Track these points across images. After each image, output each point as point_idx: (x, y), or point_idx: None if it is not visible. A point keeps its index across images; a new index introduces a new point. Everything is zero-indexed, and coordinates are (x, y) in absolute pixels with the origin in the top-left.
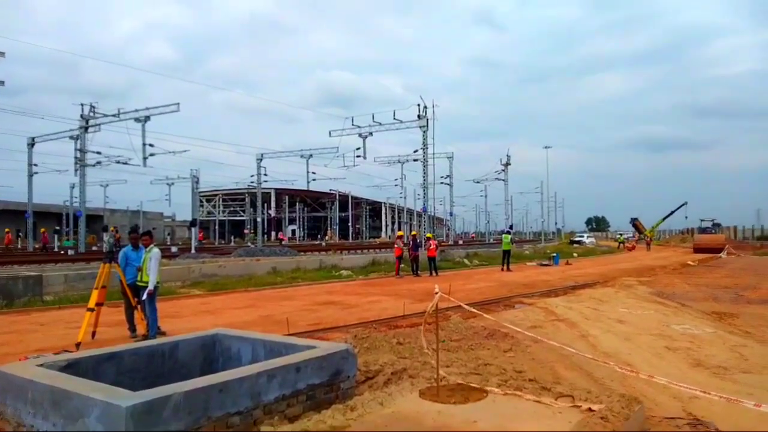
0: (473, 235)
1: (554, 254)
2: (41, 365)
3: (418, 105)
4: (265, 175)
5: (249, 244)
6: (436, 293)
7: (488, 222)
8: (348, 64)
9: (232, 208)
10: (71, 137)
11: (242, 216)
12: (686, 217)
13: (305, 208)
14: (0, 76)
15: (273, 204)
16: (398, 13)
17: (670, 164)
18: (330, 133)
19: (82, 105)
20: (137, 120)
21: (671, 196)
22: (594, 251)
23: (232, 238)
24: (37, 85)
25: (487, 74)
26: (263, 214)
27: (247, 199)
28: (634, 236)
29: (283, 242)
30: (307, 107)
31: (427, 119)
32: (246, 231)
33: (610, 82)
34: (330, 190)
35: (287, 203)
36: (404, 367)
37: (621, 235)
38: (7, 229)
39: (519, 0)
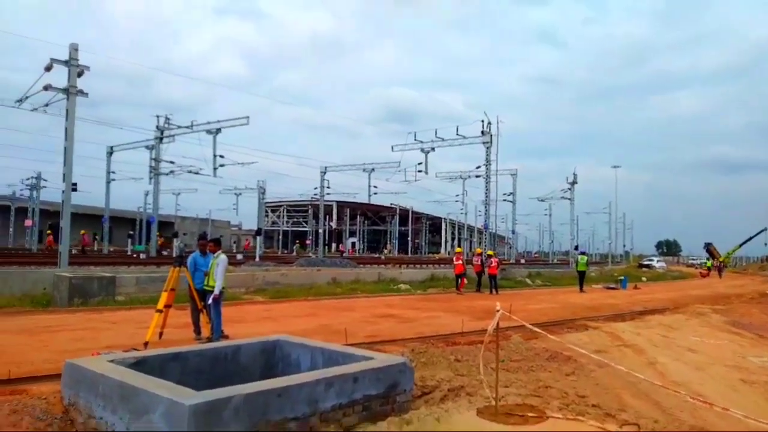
0: (536, 254)
1: (622, 277)
2: (112, 361)
3: (482, 121)
4: (328, 187)
5: (311, 254)
6: (497, 311)
7: (552, 242)
8: (408, 81)
9: (295, 219)
10: (147, 147)
11: (305, 227)
12: (766, 244)
13: (365, 221)
14: (84, 88)
15: (335, 216)
16: (458, 30)
17: (746, 186)
18: (392, 147)
19: (157, 117)
20: (209, 132)
21: (748, 221)
22: (664, 276)
23: (295, 248)
24: (116, 98)
25: (549, 91)
26: (325, 225)
27: (309, 211)
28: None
29: (343, 254)
30: (368, 122)
31: (491, 135)
32: (307, 242)
33: (680, 100)
34: (391, 204)
35: (348, 216)
36: (461, 385)
37: (709, 259)
38: (83, 231)
39: (582, 18)
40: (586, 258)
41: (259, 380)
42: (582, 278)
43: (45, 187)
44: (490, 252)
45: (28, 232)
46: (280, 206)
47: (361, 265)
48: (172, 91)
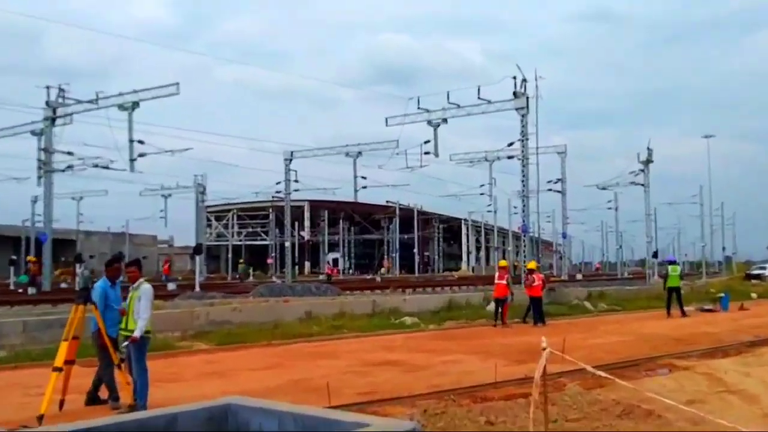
0: (598, 265)
1: (722, 294)
2: None
3: (514, 78)
4: (296, 181)
5: (273, 278)
6: (544, 350)
7: (620, 247)
8: (404, 24)
9: (251, 229)
10: (33, 132)
11: (264, 239)
12: None
13: (352, 228)
14: None
15: (307, 222)
16: None
17: None
18: (386, 120)
19: (47, 88)
20: (122, 107)
21: None
22: None
23: (251, 270)
24: None
25: (607, 33)
26: (293, 236)
27: (271, 216)
28: None
29: (331, 278)
30: (349, 84)
31: (527, 98)
32: (269, 260)
33: None
34: (387, 202)
35: (327, 221)
36: None
37: None
38: (31, 258)
39: None
40: (678, 269)
41: None
42: (675, 297)
43: None
44: (530, 265)
45: None
46: (229, 211)
47: (348, 292)
48: (67, 51)
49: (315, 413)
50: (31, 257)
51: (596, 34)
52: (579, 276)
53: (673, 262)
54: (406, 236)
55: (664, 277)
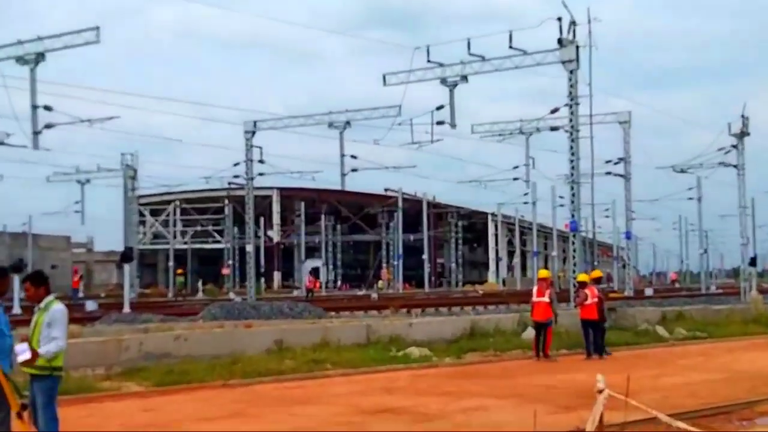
0: (674, 276)
1: None
2: None
3: (558, 20)
4: (261, 162)
5: (231, 295)
6: (600, 393)
7: (705, 251)
8: None
9: (200, 227)
10: None
11: (218, 241)
12: None
13: (338, 226)
14: None
15: (276, 218)
16: None
17: None
18: (384, 78)
19: None
20: (22, 61)
21: None
22: None
23: (200, 283)
24: None
25: None
26: (258, 237)
27: (227, 210)
28: None
29: (311, 293)
30: (332, 30)
31: (577, 47)
32: (224, 270)
33: None
34: (386, 190)
35: (303, 216)
36: None
37: None
38: None
39: None
40: None
41: None
42: None
43: None
44: (581, 277)
45: None
46: (170, 203)
47: (334, 313)
48: None
49: None
50: None
51: None
52: (649, 291)
53: None
54: (412, 237)
55: (734, 293)
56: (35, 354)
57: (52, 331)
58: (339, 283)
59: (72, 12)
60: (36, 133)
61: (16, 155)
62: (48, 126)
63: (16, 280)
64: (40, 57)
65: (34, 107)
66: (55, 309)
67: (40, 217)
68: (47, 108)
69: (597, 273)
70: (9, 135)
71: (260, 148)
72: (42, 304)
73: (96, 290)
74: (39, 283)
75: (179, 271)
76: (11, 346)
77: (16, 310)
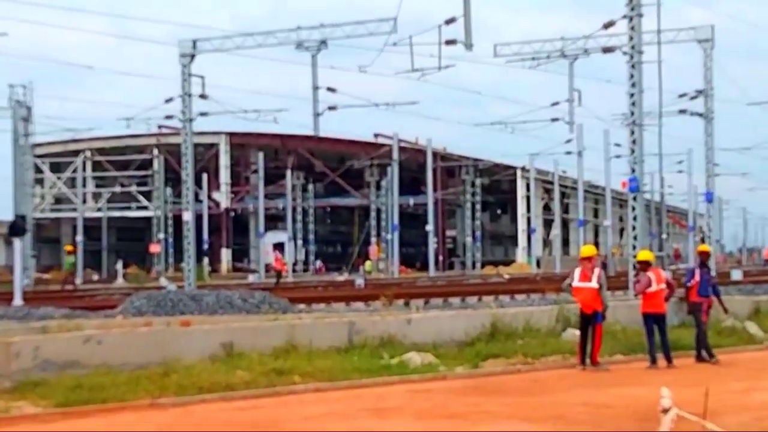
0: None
1: None
2: None
3: None
4: (203, 96)
5: (162, 281)
6: (665, 413)
7: None
8: None
9: (120, 187)
10: None
11: (145, 206)
12: None
13: (310, 184)
14: None
15: (225, 174)
16: None
17: None
18: None
19: None
20: None
21: None
22: None
23: (119, 265)
24: None
25: None
26: (200, 200)
27: (156, 165)
28: None
29: (279, 278)
30: None
31: None
32: (153, 247)
33: None
34: (376, 136)
35: (262, 172)
36: None
37: None
38: None
39: None
40: None
41: None
42: None
43: None
44: (644, 255)
45: None
46: (77, 153)
47: (304, 305)
48: None
49: None
50: None
51: None
52: (737, 273)
53: None
54: (412, 201)
55: None
56: None
57: None
58: (313, 264)
59: None
60: None
61: None
62: None
63: None
64: None
65: None
66: None
67: None
68: None
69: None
70: None
71: (202, 77)
72: None
73: None
74: None
75: (68, 248)
76: None
77: None
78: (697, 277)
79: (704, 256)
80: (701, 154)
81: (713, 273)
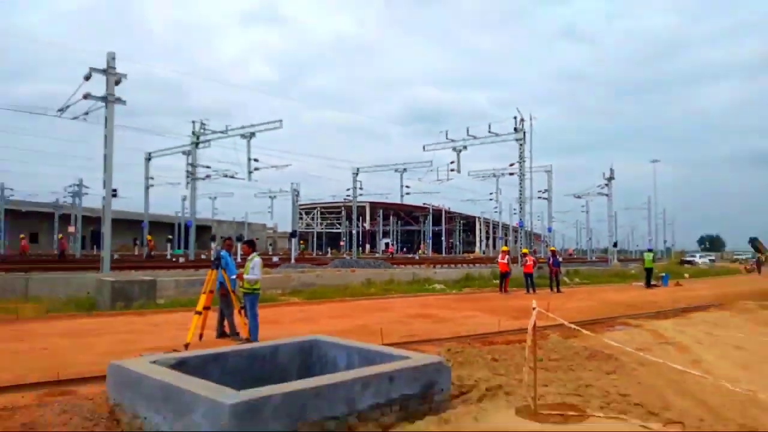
0: (570, 251)
1: (663, 274)
2: (154, 362)
3: (515, 118)
4: (360, 188)
5: (345, 255)
6: (534, 309)
7: (590, 239)
8: (432, 80)
9: (329, 221)
10: (183, 152)
11: (338, 228)
12: None
13: (399, 222)
14: (122, 96)
15: (368, 217)
16: (481, 28)
17: None
18: (424, 147)
19: (193, 122)
20: (243, 136)
21: None
22: (707, 272)
23: (329, 249)
24: (153, 105)
25: (578, 88)
26: (358, 226)
27: (343, 212)
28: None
29: (393, 254)
30: (395, 122)
31: (524, 132)
32: (341, 243)
33: (718, 92)
34: (423, 203)
35: (381, 216)
36: (500, 384)
37: (756, 254)
38: (21, 236)
39: (607, 12)
40: (651, 255)
41: (296, 380)
42: (649, 275)
43: (87, 194)
44: (524, 250)
45: (71, 238)
46: (314, 208)
47: (395, 266)
48: (205, 98)
49: (373, 348)
50: (149, 236)
51: (571, 88)
52: (559, 258)
53: (650, 250)
54: (436, 228)
55: (643, 260)
56: (241, 278)
57: (253, 270)
58: (398, 251)
59: (266, 111)
60: (250, 172)
61: (239, 183)
62: (256, 169)
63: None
64: (252, 134)
65: (249, 159)
66: (256, 259)
67: (251, 214)
68: (255, 160)
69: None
70: (236, 173)
71: (360, 181)
72: (250, 257)
73: (277, 252)
74: (250, 246)
75: (302, 242)
76: (234, 276)
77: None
78: (551, 259)
79: (552, 251)
80: (546, 213)
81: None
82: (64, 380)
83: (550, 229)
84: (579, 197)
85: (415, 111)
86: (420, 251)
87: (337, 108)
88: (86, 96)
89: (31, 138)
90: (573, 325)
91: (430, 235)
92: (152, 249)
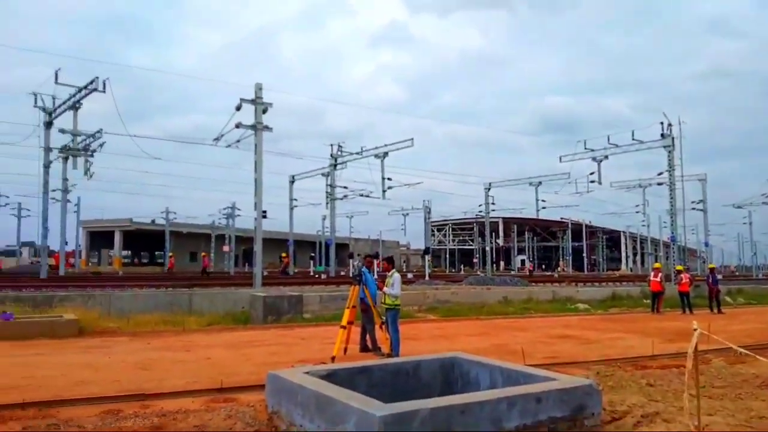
0: (732, 268)
1: None
2: (307, 373)
3: (661, 123)
4: (493, 204)
5: (479, 273)
6: (695, 331)
7: (755, 254)
8: (563, 89)
9: (461, 237)
10: (322, 174)
11: (471, 245)
12: None
13: (534, 238)
14: (268, 124)
15: (501, 233)
16: (615, 30)
17: None
18: (560, 158)
19: (331, 145)
20: (377, 156)
21: None
22: None
23: (462, 266)
24: (292, 130)
25: (728, 86)
26: (491, 243)
27: (475, 229)
28: None
29: (531, 272)
30: (525, 134)
31: (672, 138)
32: (474, 260)
33: None
34: (561, 218)
35: (515, 232)
36: (656, 411)
37: None
38: (203, 253)
39: (758, 3)
40: None
41: (438, 396)
42: None
43: (239, 215)
44: (679, 267)
45: (226, 256)
46: (446, 225)
47: (533, 284)
48: (340, 120)
49: (516, 368)
50: (284, 254)
51: (719, 87)
52: (719, 276)
53: None
54: (576, 244)
55: None
56: (382, 291)
57: (394, 286)
58: (535, 268)
59: (396, 130)
60: (384, 191)
61: (374, 202)
62: (389, 187)
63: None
64: (385, 154)
65: (383, 178)
66: (396, 275)
67: (385, 231)
68: (388, 179)
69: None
70: (371, 192)
71: (492, 196)
72: (390, 273)
73: (411, 269)
74: (389, 262)
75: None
76: (375, 292)
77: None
78: (710, 277)
79: (711, 269)
80: (702, 226)
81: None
82: (226, 388)
83: (707, 244)
84: (739, 207)
85: (548, 121)
86: (558, 269)
87: (466, 123)
88: (238, 125)
89: (189, 165)
90: (742, 350)
91: (570, 251)
92: (287, 266)
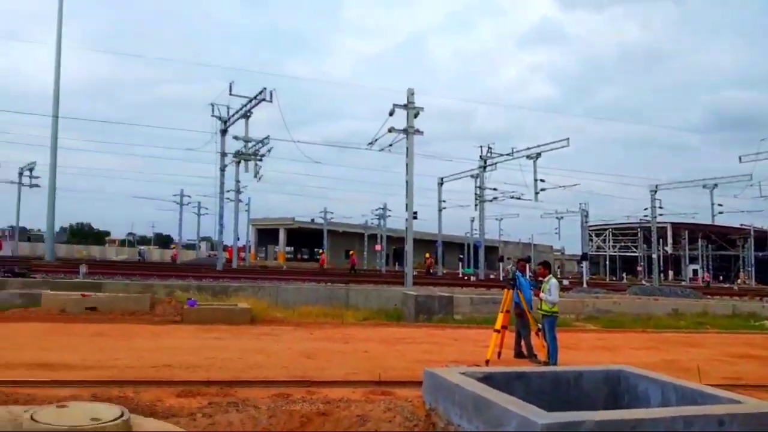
0: None
1: None
2: (463, 373)
3: None
4: (660, 207)
5: (644, 282)
6: None
7: None
8: (742, 81)
9: (622, 243)
10: (471, 176)
11: (634, 252)
12: None
13: (709, 246)
14: (419, 127)
15: (669, 240)
16: None
17: None
18: (740, 158)
19: (480, 147)
20: (529, 157)
21: None
22: None
23: (624, 275)
24: (442, 133)
25: None
26: (658, 250)
27: (639, 234)
28: None
29: (708, 284)
30: (695, 131)
31: None
32: (638, 268)
33: None
34: (741, 225)
35: (686, 239)
36: None
37: None
38: (352, 252)
39: None
40: None
41: (602, 410)
42: None
43: (390, 216)
44: None
45: (378, 255)
46: (605, 230)
47: (708, 296)
48: (489, 122)
49: (692, 386)
50: (428, 254)
51: None
52: None
53: None
54: (760, 254)
55: None
56: (538, 296)
57: (551, 291)
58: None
59: (548, 130)
60: (536, 193)
61: (526, 204)
62: (542, 189)
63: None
64: (538, 155)
65: (535, 180)
66: (553, 281)
67: (537, 235)
68: (541, 180)
69: None
70: (523, 194)
71: (659, 199)
72: (546, 278)
73: (566, 275)
74: (546, 267)
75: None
76: (530, 297)
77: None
78: None
79: None
80: None
81: None
82: (383, 381)
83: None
84: None
85: (722, 116)
86: (738, 280)
87: (626, 120)
88: (390, 130)
89: (345, 168)
90: None
91: (752, 262)
92: (431, 266)
